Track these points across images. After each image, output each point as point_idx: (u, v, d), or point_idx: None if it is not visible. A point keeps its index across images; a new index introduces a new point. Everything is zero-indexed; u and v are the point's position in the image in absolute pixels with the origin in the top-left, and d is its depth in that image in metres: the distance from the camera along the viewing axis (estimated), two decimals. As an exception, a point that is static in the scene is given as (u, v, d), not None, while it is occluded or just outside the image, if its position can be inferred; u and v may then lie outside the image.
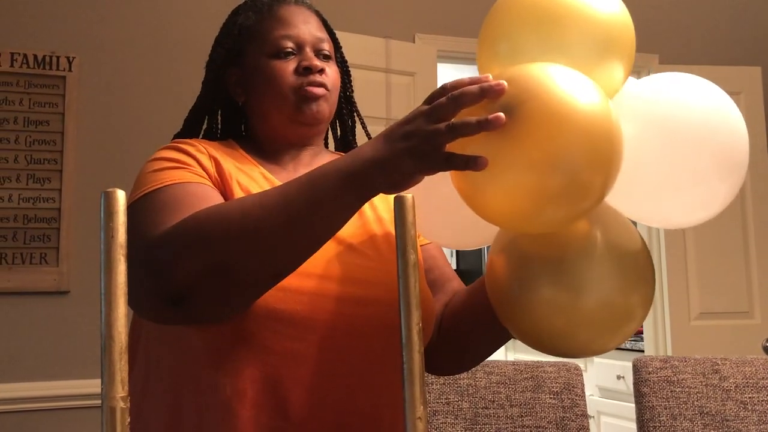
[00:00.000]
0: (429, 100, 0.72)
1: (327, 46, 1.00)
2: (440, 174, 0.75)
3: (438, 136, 0.69)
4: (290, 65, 0.96)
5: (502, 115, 0.68)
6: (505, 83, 0.70)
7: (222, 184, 0.89)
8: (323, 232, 0.76)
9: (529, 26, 0.81)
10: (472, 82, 0.71)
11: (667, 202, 0.82)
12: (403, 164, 0.71)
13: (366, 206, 0.98)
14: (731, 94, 0.87)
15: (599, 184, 0.72)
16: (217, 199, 0.85)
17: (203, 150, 0.92)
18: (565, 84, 0.71)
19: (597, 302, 0.80)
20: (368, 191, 0.74)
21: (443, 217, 0.89)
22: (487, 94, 0.69)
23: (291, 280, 0.82)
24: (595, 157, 0.70)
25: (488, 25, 0.87)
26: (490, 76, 0.71)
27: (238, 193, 0.88)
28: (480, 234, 0.90)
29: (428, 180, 0.76)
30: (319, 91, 0.96)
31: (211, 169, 0.90)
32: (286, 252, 0.76)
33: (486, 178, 0.71)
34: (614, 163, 0.73)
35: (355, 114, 1.10)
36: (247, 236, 0.74)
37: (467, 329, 0.97)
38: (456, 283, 1.05)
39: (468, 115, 0.70)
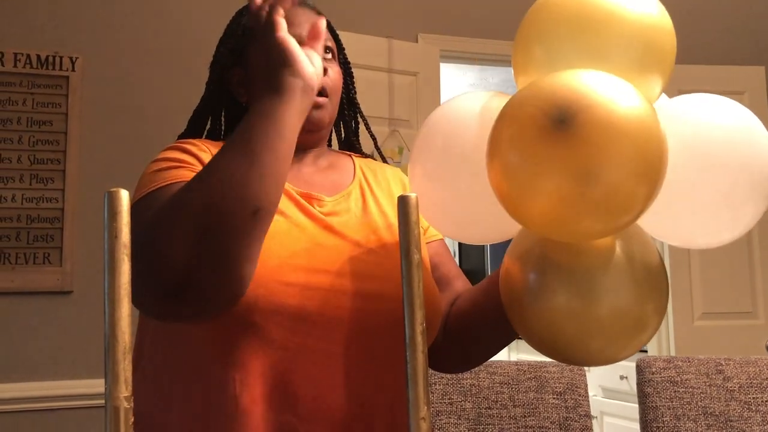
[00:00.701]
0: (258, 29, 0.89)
1: (329, 47, 1.00)
2: (456, 166, 0.74)
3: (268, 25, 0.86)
4: None
5: None
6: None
7: None
8: (282, 148, 0.82)
9: (566, 31, 0.80)
10: None
11: (693, 223, 0.81)
12: (279, 78, 0.84)
13: (370, 203, 0.98)
14: (734, 94, 0.87)
15: (643, 197, 0.72)
16: None
17: (206, 149, 0.92)
18: (616, 94, 0.71)
19: (611, 311, 0.79)
20: (286, 91, 0.84)
21: (452, 209, 0.89)
22: None
23: (299, 276, 0.82)
24: (642, 169, 0.70)
25: (525, 28, 0.86)
26: None
27: None
28: (489, 229, 0.89)
29: (443, 171, 0.75)
30: (320, 99, 0.96)
31: None
32: (261, 180, 0.79)
33: (529, 181, 0.70)
34: (660, 176, 0.72)
35: (358, 115, 1.11)
36: (220, 184, 0.77)
37: (473, 328, 0.97)
38: (462, 282, 1.05)
39: (520, 128, 0.71)
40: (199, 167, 0.89)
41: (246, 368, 0.82)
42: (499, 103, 0.80)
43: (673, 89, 0.89)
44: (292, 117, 0.83)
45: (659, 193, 0.76)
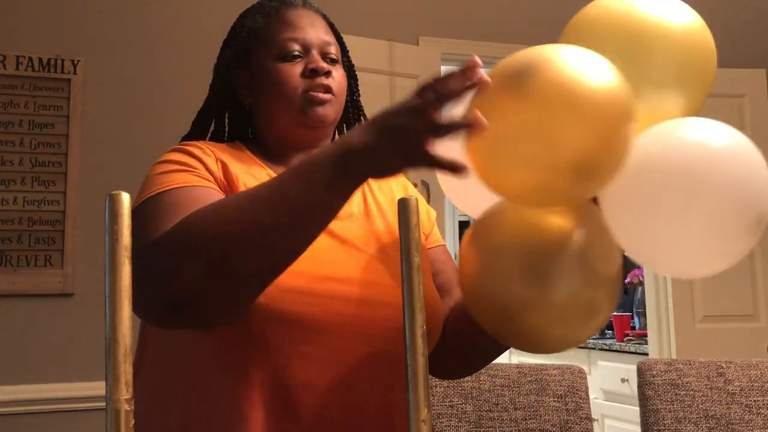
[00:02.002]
0: (419, 92, 0.73)
1: (334, 50, 1.01)
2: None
3: (423, 136, 0.70)
4: (297, 68, 0.97)
5: (484, 120, 0.70)
6: (486, 122, 0.70)
7: (229, 188, 0.89)
8: (319, 218, 0.77)
9: (610, 43, 0.80)
10: (463, 72, 0.72)
11: (684, 254, 0.80)
12: (389, 157, 0.72)
13: (372, 208, 0.98)
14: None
15: (611, 164, 0.73)
16: None
17: (210, 153, 0.92)
18: (580, 61, 0.73)
19: (566, 298, 0.80)
20: (358, 179, 0.75)
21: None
22: (468, 77, 0.71)
23: (299, 282, 0.82)
24: (607, 135, 0.71)
25: (569, 36, 0.85)
26: (477, 58, 0.73)
27: None
28: None
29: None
30: (326, 96, 0.96)
31: (218, 173, 0.90)
32: (284, 243, 0.76)
33: (499, 149, 0.72)
34: (620, 144, 0.73)
35: (362, 117, 1.11)
36: (245, 230, 0.74)
37: (472, 335, 0.96)
38: (456, 293, 1.04)
39: (485, 91, 0.73)
40: (203, 171, 0.89)
41: (246, 375, 0.82)
42: None
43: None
44: (349, 194, 0.76)
45: (649, 224, 0.76)
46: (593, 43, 0.81)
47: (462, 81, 0.71)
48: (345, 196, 0.76)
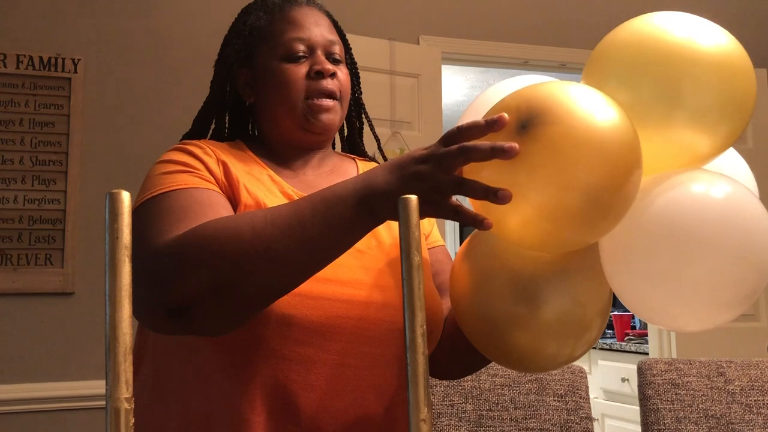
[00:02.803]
0: (444, 140, 0.72)
1: (338, 49, 0.99)
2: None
3: (446, 187, 0.70)
4: (302, 69, 0.96)
5: (516, 145, 0.68)
6: (517, 146, 0.69)
7: (230, 189, 0.88)
8: (334, 252, 0.77)
9: (646, 73, 0.76)
10: (488, 125, 0.71)
11: (682, 311, 0.77)
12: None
13: None
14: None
15: (618, 207, 0.71)
16: (222, 205, 0.85)
17: (211, 153, 0.91)
18: (585, 105, 0.71)
19: (555, 317, 0.80)
20: (378, 220, 0.75)
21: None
22: (498, 154, 0.69)
23: (302, 286, 0.81)
24: (614, 180, 0.70)
25: (595, 64, 0.80)
26: (506, 115, 0.71)
27: (246, 198, 0.87)
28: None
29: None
30: (330, 103, 0.96)
31: (219, 173, 0.89)
32: (296, 270, 0.76)
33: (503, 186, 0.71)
34: (633, 184, 0.72)
35: (363, 115, 1.10)
36: (258, 256, 0.73)
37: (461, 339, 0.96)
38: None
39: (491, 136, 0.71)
40: (204, 172, 0.88)
41: (247, 378, 0.82)
42: None
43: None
44: (368, 231, 0.77)
45: (642, 279, 0.75)
46: (622, 71, 0.77)
47: (485, 132, 0.71)
48: (362, 234, 0.76)
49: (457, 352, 0.98)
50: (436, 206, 0.72)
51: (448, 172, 0.70)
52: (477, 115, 0.78)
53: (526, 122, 0.70)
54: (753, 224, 0.74)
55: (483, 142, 0.69)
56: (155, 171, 0.88)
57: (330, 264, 0.85)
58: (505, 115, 0.71)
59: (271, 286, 0.76)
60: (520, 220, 0.72)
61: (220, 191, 0.87)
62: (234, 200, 0.87)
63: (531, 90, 0.74)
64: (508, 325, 0.81)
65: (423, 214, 0.73)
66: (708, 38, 0.76)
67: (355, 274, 0.87)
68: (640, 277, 0.75)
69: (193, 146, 0.92)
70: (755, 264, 0.73)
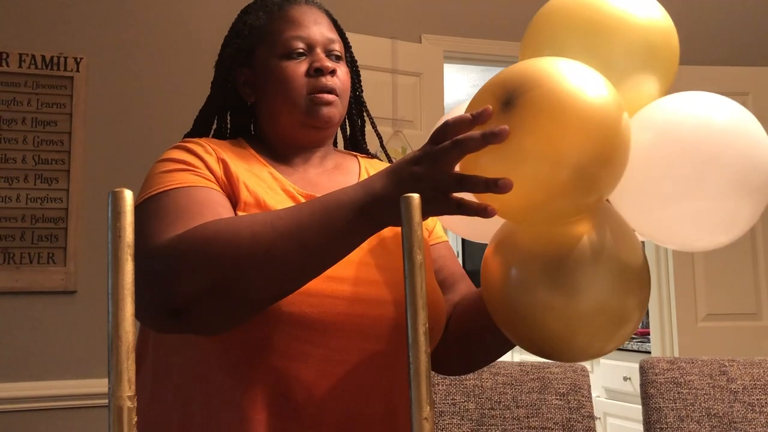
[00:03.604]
0: (433, 139, 0.72)
1: (338, 47, 1.00)
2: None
3: (446, 184, 0.70)
4: (301, 67, 0.96)
5: (506, 127, 0.69)
6: (507, 128, 0.69)
7: (230, 186, 0.89)
8: (333, 257, 0.77)
9: (573, 35, 0.82)
10: (475, 118, 0.71)
11: (685, 222, 0.81)
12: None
13: None
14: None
15: (606, 178, 0.73)
16: (222, 204, 0.85)
17: (211, 151, 0.91)
18: (571, 76, 0.72)
19: (594, 305, 0.79)
20: (379, 225, 0.75)
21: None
22: (490, 140, 0.69)
23: None
24: (601, 150, 0.71)
25: (533, 30, 0.87)
26: (489, 107, 0.71)
27: (245, 196, 0.88)
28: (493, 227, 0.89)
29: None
30: (329, 97, 0.96)
31: (219, 171, 0.89)
32: (294, 275, 0.76)
33: (494, 172, 0.71)
34: (620, 156, 0.73)
35: (364, 113, 1.10)
36: (257, 259, 0.74)
37: (476, 332, 0.96)
38: (465, 285, 1.04)
39: (476, 105, 0.72)
40: (204, 170, 0.88)
41: (247, 375, 0.82)
42: None
43: (678, 90, 0.88)
44: (367, 237, 0.77)
45: (649, 190, 0.76)
46: (557, 38, 0.82)
47: (471, 125, 0.71)
48: (362, 240, 0.76)
49: (463, 347, 0.98)
50: (439, 204, 0.71)
51: (445, 168, 0.70)
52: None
53: (509, 98, 0.71)
54: (749, 126, 0.80)
55: (474, 132, 0.70)
56: (155, 170, 0.89)
57: None
58: (489, 107, 0.71)
59: (270, 289, 0.76)
60: (521, 199, 0.72)
61: (219, 189, 0.87)
62: (234, 198, 0.88)
63: (506, 70, 0.75)
64: (543, 313, 0.80)
65: (426, 214, 0.73)
66: (639, 10, 0.83)
67: (356, 271, 0.87)
68: (654, 202, 0.78)
69: (194, 144, 0.92)
70: (759, 160, 0.79)
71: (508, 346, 0.96)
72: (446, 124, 0.72)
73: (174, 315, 0.76)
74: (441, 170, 0.70)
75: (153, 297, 0.76)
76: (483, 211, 0.71)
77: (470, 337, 0.96)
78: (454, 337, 0.97)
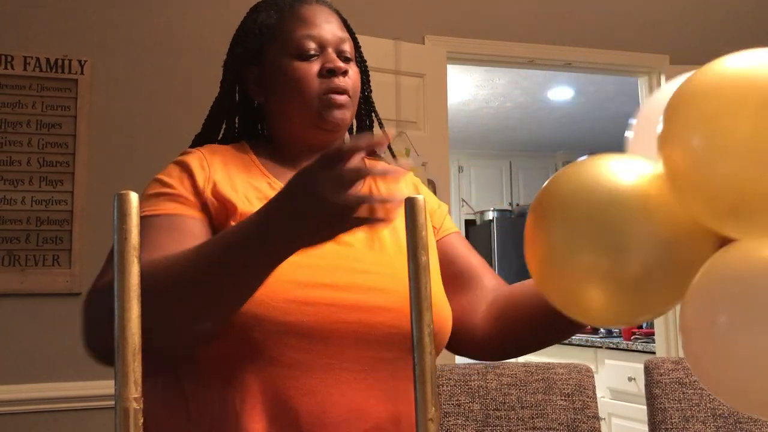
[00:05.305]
0: (327, 163, 0.67)
1: (348, 47, 0.99)
2: None
3: (334, 184, 0.66)
4: (314, 67, 0.95)
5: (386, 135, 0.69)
6: (386, 137, 0.68)
7: (219, 204, 0.89)
8: (244, 290, 0.75)
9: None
10: (369, 145, 0.67)
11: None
12: (316, 236, 0.70)
13: None
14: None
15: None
16: (192, 233, 0.85)
17: (206, 166, 0.91)
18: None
19: (640, 268, 0.76)
20: (283, 257, 0.72)
21: None
22: (365, 148, 0.67)
23: (299, 293, 0.81)
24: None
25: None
26: (392, 132, 0.71)
27: (242, 206, 0.88)
28: None
29: None
30: (342, 99, 0.95)
31: (207, 191, 0.89)
32: (207, 305, 0.76)
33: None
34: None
35: (372, 114, 1.10)
36: (164, 298, 0.72)
37: (529, 318, 0.95)
38: (489, 273, 1.04)
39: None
40: (190, 197, 0.88)
41: (246, 385, 0.81)
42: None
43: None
44: (283, 259, 0.74)
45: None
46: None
47: (358, 148, 0.66)
48: (270, 267, 0.73)
49: (513, 335, 0.97)
50: (341, 227, 0.69)
51: (330, 169, 0.66)
52: (649, 122, 0.74)
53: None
54: None
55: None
56: (148, 190, 0.91)
57: (328, 268, 0.85)
58: (391, 131, 0.72)
59: (185, 329, 0.76)
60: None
61: (196, 214, 0.87)
62: (228, 211, 0.88)
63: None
64: (589, 277, 0.77)
65: (329, 237, 0.70)
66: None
67: (354, 277, 0.87)
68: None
69: (193, 158, 0.93)
70: None
71: (563, 333, 0.97)
72: (339, 149, 0.67)
73: (107, 361, 0.75)
74: (328, 169, 0.66)
75: (88, 342, 0.78)
76: (381, 219, 0.68)
77: (523, 324, 0.96)
78: (504, 323, 0.97)
